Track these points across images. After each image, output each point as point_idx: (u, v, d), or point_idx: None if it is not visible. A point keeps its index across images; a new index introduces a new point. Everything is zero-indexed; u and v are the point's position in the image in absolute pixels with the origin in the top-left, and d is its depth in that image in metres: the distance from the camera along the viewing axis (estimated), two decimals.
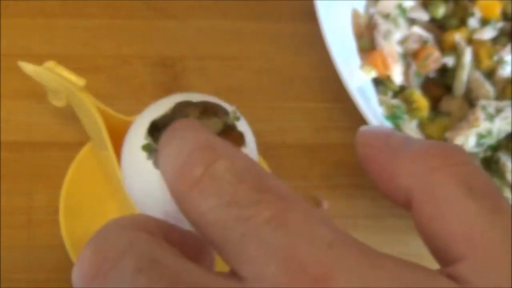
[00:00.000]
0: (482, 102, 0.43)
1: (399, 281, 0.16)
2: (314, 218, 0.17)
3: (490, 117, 0.42)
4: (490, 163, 0.43)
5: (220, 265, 0.19)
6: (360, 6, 0.47)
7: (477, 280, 0.16)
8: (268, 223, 0.16)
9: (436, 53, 0.45)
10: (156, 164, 0.33)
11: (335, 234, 0.17)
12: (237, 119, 0.34)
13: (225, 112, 0.35)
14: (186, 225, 0.34)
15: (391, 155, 0.19)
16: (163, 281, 0.16)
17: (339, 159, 0.45)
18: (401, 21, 0.46)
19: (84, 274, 0.16)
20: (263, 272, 0.16)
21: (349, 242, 0.17)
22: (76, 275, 0.17)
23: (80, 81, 0.36)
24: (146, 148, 0.33)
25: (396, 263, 0.16)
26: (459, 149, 0.19)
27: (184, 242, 0.19)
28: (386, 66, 0.44)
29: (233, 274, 0.17)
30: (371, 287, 0.15)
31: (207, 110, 0.37)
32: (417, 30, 0.45)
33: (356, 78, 0.44)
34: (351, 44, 0.46)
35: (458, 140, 0.42)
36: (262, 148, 0.42)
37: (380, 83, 0.45)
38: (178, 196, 0.18)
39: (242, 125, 0.35)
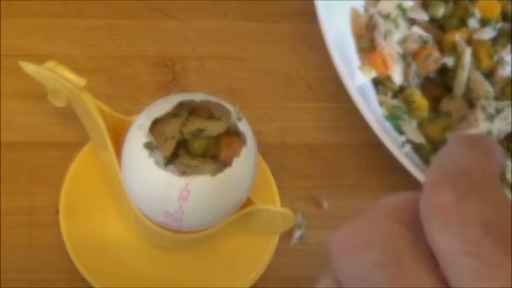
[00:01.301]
0: (482, 102, 0.43)
1: None
2: None
3: (490, 117, 0.42)
4: None
5: None
6: (360, 6, 0.47)
7: None
8: None
9: (436, 53, 0.45)
10: (157, 162, 0.33)
11: None
12: (240, 118, 0.34)
13: (227, 112, 0.35)
14: (184, 225, 0.34)
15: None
16: (400, 283, 0.16)
17: (339, 159, 0.45)
18: (401, 21, 0.46)
19: (338, 244, 0.18)
20: None
21: None
22: (333, 241, 0.18)
23: (80, 81, 0.36)
24: (148, 146, 0.33)
25: None
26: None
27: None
28: (386, 66, 0.44)
29: None
30: None
31: (211, 114, 0.37)
32: (417, 30, 0.45)
33: (356, 78, 0.44)
34: (351, 44, 0.46)
35: None
36: (262, 148, 0.42)
37: (380, 83, 0.45)
38: (422, 216, 0.17)
39: (243, 125, 0.35)
